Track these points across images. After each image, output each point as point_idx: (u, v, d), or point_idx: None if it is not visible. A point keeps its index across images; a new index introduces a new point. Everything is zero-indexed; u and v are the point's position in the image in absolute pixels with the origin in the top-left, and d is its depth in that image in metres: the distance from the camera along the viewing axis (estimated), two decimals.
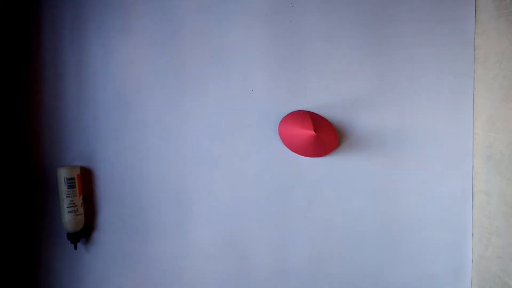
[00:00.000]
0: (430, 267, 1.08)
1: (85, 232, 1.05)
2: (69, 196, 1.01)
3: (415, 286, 1.08)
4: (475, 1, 1.03)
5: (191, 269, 1.07)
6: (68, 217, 1.01)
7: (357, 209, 1.07)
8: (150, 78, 1.04)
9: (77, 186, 1.02)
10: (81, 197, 1.03)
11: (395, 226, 1.07)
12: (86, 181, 1.05)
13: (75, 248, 1.04)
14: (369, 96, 1.05)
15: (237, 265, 1.07)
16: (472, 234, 1.07)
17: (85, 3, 1.03)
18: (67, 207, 1.01)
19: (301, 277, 1.08)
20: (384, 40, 1.04)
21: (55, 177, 1.03)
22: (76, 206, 1.02)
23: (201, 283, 1.07)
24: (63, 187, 1.01)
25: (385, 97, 1.05)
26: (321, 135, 0.99)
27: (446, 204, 1.07)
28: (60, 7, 1.02)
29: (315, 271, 1.08)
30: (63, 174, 1.01)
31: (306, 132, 0.98)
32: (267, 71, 1.04)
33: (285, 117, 1.04)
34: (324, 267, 1.08)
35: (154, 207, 1.06)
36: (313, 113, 1.04)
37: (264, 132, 1.05)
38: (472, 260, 1.07)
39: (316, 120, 1.01)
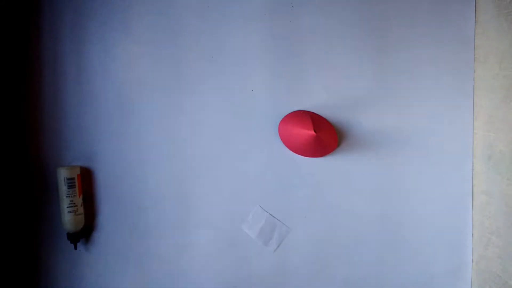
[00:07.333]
0: (430, 267, 1.08)
1: (85, 232, 1.05)
2: (69, 196, 1.01)
3: (415, 286, 1.08)
4: (475, 1, 1.03)
5: (191, 269, 1.07)
6: (68, 217, 1.01)
7: (357, 209, 1.07)
8: (150, 78, 1.04)
9: (77, 186, 1.02)
10: (81, 197, 1.03)
11: (395, 226, 1.07)
12: (86, 181, 1.05)
13: (75, 248, 1.04)
14: (369, 96, 1.05)
15: (237, 265, 1.07)
16: (472, 234, 1.07)
17: (85, 3, 1.03)
18: (67, 207, 1.01)
19: (301, 277, 1.08)
20: (384, 40, 1.04)
21: (55, 177, 1.03)
22: (76, 206, 1.02)
23: (201, 283, 1.07)
24: (63, 187, 1.01)
25: (385, 97, 1.05)
26: (321, 135, 0.99)
27: (446, 204, 1.07)
28: (60, 7, 1.02)
29: (315, 271, 1.08)
30: (63, 174, 1.01)
31: (306, 132, 0.98)
32: (267, 71, 1.04)
33: (285, 117, 1.04)
34: (324, 267, 1.08)
35: (154, 207, 1.06)
36: (313, 113, 1.04)
37: (264, 132, 1.05)
38: (472, 260, 1.07)
39: (316, 120, 1.01)
